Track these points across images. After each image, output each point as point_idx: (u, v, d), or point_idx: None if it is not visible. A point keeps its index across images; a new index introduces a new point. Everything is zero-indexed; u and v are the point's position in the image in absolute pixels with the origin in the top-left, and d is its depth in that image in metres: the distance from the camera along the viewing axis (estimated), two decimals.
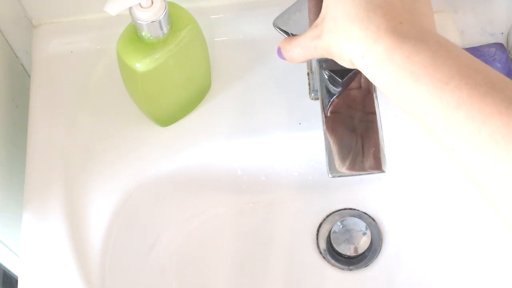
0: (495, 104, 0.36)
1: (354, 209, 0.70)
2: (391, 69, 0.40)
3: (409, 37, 0.40)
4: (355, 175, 0.52)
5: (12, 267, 0.75)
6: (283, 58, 0.50)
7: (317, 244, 0.69)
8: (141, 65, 0.54)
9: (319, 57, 0.47)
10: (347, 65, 0.44)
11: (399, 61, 0.39)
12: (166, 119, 0.63)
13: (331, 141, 0.52)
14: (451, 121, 0.37)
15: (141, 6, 0.51)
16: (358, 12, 0.41)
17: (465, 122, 0.37)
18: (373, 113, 0.53)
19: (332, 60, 0.54)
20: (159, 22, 0.52)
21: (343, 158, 0.52)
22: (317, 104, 0.58)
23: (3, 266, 0.75)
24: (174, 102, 0.61)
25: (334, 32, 0.43)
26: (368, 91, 0.53)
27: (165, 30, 0.53)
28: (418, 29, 0.41)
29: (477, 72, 0.38)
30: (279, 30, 0.53)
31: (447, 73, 0.38)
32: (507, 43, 0.70)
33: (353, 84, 0.54)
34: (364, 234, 0.67)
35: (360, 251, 0.67)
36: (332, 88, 0.54)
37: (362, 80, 0.54)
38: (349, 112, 0.53)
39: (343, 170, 0.51)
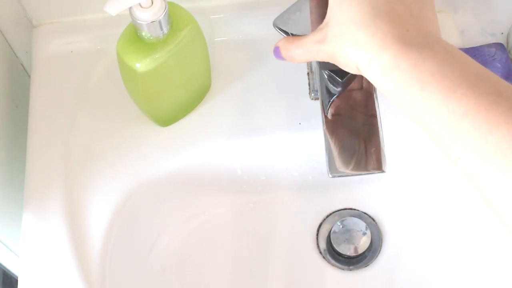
0: (502, 113, 0.36)
1: (354, 209, 0.70)
2: (397, 77, 0.40)
3: (416, 44, 0.40)
4: (355, 175, 0.52)
5: (12, 267, 0.75)
6: (280, 58, 0.50)
7: (317, 244, 0.69)
8: (141, 65, 0.54)
9: (321, 60, 0.47)
10: (352, 71, 0.44)
11: (405, 69, 0.39)
12: (166, 119, 0.63)
13: (332, 142, 0.52)
14: (458, 130, 0.37)
15: (141, 6, 0.51)
16: (365, 18, 0.41)
17: (472, 131, 0.36)
18: (373, 113, 0.53)
19: None
20: (159, 22, 0.52)
21: (343, 158, 0.52)
22: (317, 104, 0.58)
23: (3, 266, 0.75)
24: (174, 102, 0.61)
25: (340, 38, 0.43)
26: (368, 92, 0.53)
27: (165, 30, 0.53)
28: (425, 35, 0.41)
29: (484, 80, 0.38)
30: (279, 30, 0.53)
31: (454, 81, 0.38)
32: (507, 43, 0.70)
33: (354, 85, 0.54)
34: (364, 234, 0.67)
35: (360, 251, 0.67)
36: (332, 88, 0.54)
37: (363, 81, 0.54)
38: (350, 113, 0.53)
39: (344, 170, 0.51)
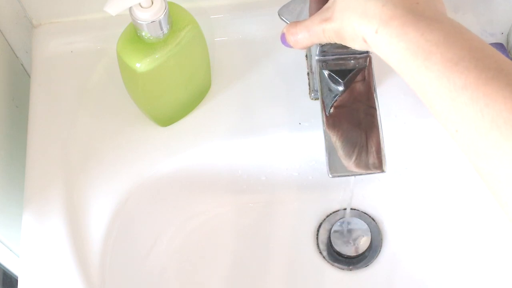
0: (500, 88, 0.36)
1: (354, 209, 0.70)
2: (404, 45, 0.40)
3: (425, 16, 0.41)
4: (355, 175, 0.52)
5: (12, 267, 0.75)
6: (287, 45, 0.50)
7: (317, 244, 0.69)
8: (141, 65, 0.54)
9: (326, 42, 0.47)
10: (358, 45, 0.44)
11: (412, 38, 0.40)
12: (166, 119, 0.63)
13: (333, 136, 0.52)
14: (457, 102, 0.37)
15: (141, 6, 0.51)
16: None
17: (470, 104, 0.37)
18: (372, 114, 0.53)
19: (332, 60, 0.54)
20: (159, 22, 0.52)
21: (345, 150, 0.52)
22: (317, 104, 0.58)
23: (3, 266, 0.75)
24: (174, 102, 0.61)
25: (347, 12, 0.43)
26: (368, 85, 0.53)
27: (165, 30, 0.53)
28: (434, 10, 0.42)
29: (488, 56, 0.38)
30: (283, 19, 0.53)
31: (458, 54, 0.38)
32: (507, 43, 0.70)
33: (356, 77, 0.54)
34: (364, 234, 0.67)
35: (360, 251, 0.67)
36: (333, 88, 0.54)
37: (365, 76, 0.54)
38: (350, 105, 0.53)
39: (345, 163, 0.51)
